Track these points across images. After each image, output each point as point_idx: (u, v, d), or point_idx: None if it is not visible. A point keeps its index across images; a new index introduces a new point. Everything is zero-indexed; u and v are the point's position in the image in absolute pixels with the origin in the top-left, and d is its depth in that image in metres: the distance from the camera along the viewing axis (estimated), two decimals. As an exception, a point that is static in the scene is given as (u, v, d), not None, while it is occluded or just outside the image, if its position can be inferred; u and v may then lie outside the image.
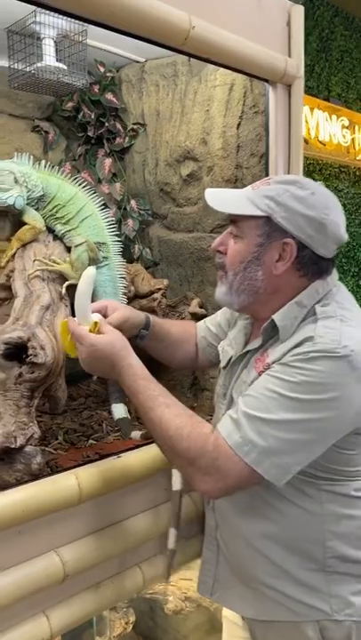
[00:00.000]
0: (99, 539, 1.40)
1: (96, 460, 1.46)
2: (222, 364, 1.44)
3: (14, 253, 1.79)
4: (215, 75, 2.02)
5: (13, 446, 1.44)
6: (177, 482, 1.50)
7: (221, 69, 1.99)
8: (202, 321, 1.65)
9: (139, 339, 1.43)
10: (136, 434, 1.66)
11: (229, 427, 1.10)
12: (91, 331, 1.24)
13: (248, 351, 1.32)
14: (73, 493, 1.33)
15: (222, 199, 1.23)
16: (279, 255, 1.16)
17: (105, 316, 1.33)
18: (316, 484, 1.18)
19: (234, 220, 1.21)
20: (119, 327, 1.30)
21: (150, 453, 1.52)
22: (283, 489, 1.14)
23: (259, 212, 1.15)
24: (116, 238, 1.86)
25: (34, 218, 1.76)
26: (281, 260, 1.16)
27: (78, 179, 1.88)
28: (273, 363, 1.15)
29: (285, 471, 1.08)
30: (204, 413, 2.22)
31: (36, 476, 1.49)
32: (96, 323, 1.26)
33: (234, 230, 1.22)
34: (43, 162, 1.81)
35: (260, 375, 1.16)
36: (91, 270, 1.35)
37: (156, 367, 2.46)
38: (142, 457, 1.51)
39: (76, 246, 1.80)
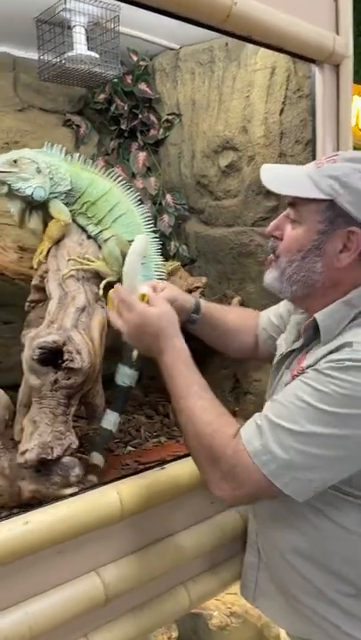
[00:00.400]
0: (142, 557, 1.30)
1: (138, 472, 1.36)
2: (274, 361, 1.32)
3: (47, 253, 1.71)
4: (255, 58, 1.89)
5: (50, 457, 1.35)
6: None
7: (262, 52, 1.87)
8: (264, 311, 1.51)
9: (189, 323, 1.33)
10: (98, 457, 1.59)
11: (251, 432, 1.00)
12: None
13: (293, 350, 1.21)
14: (114, 509, 1.23)
15: (279, 178, 1.10)
16: (343, 245, 1.03)
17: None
18: (352, 502, 1.06)
19: (292, 202, 1.08)
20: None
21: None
22: (318, 501, 1.04)
23: (320, 195, 1.02)
24: (154, 235, 1.75)
25: (59, 211, 1.67)
26: (345, 251, 1.03)
27: (113, 173, 1.78)
28: (308, 367, 1.04)
29: (307, 488, 0.98)
30: (248, 418, 2.11)
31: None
32: (144, 295, 1.17)
33: (292, 214, 1.09)
34: (77, 155, 1.73)
35: (293, 379, 1.06)
36: (142, 237, 1.27)
37: (199, 362, 2.36)
38: (188, 468, 1.39)
39: (105, 241, 1.71)
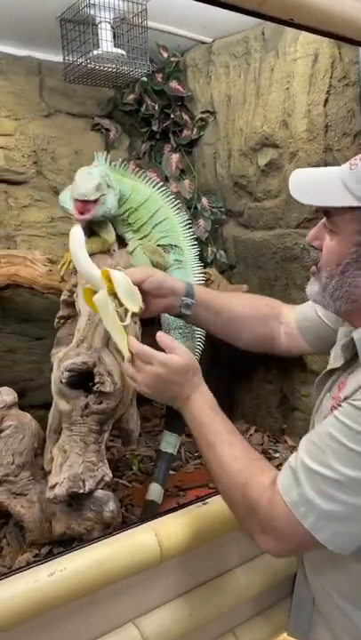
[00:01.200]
0: (185, 604, 1.17)
1: (179, 508, 1.22)
2: (319, 375, 1.16)
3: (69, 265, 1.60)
4: (295, 46, 1.74)
5: (82, 491, 1.24)
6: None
7: (302, 38, 1.72)
8: (303, 305, 1.33)
9: (184, 308, 1.21)
10: (156, 490, 1.55)
11: (288, 480, 0.89)
12: (108, 288, 1.07)
13: (334, 370, 1.06)
14: (153, 552, 1.10)
15: (308, 185, 0.96)
16: None
17: (141, 285, 1.15)
18: None
19: (327, 211, 0.95)
20: (156, 293, 1.16)
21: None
22: None
23: (354, 203, 0.88)
24: (193, 242, 1.62)
25: (107, 231, 1.56)
26: None
27: (153, 179, 1.67)
28: (345, 398, 0.93)
29: (352, 541, 0.86)
30: (296, 436, 1.95)
31: (108, 526, 1.29)
32: (105, 271, 1.08)
33: (327, 224, 0.97)
34: (120, 160, 1.63)
35: (331, 410, 0.94)
36: (74, 229, 1.18)
37: (238, 382, 2.23)
38: (232, 502, 1.26)
39: (131, 252, 1.60)
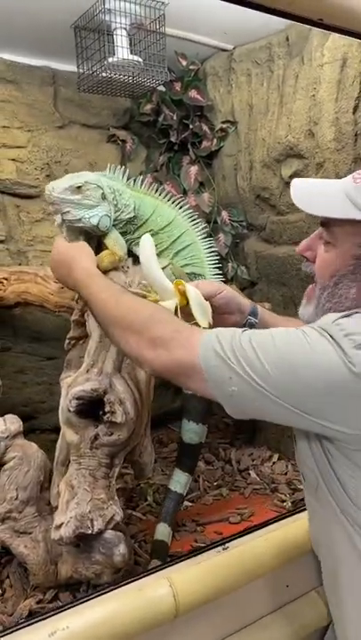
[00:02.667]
0: (202, 663, 1.04)
1: (196, 553, 1.10)
2: None
3: None
4: (322, 51, 1.64)
5: (90, 532, 1.13)
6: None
7: (330, 42, 1.62)
8: None
9: (248, 326, 1.14)
10: (164, 530, 1.45)
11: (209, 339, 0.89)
12: (180, 302, 1.06)
13: None
14: (167, 605, 0.99)
15: (311, 195, 0.95)
16: None
17: (211, 300, 1.12)
18: None
19: (325, 222, 0.94)
20: (225, 309, 1.13)
21: (265, 540, 1.15)
22: None
23: (358, 215, 0.87)
24: (217, 271, 1.51)
25: (115, 242, 1.43)
26: None
27: (179, 199, 1.54)
28: None
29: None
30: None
31: (118, 570, 1.18)
32: (178, 282, 1.07)
33: (325, 235, 0.94)
34: (140, 178, 1.50)
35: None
36: (146, 238, 1.16)
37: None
38: (254, 546, 1.14)
39: (164, 268, 1.49)
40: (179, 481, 1.56)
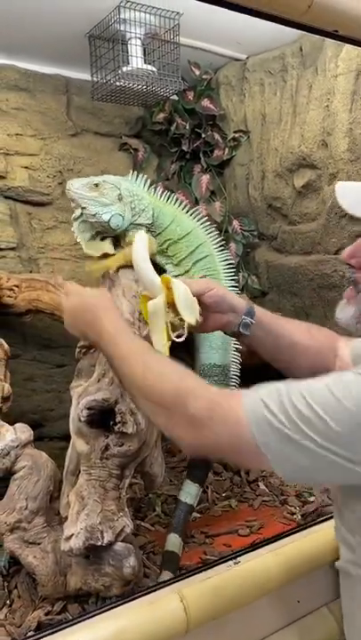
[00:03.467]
0: None
1: (207, 567, 1.09)
2: None
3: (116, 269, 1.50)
4: (336, 62, 1.64)
5: (100, 544, 1.12)
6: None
7: (345, 53, 1.62)
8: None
9: (243, 327, 1.10)
10: (175, 540, 1.41)
11: (253, 399, 0.80)
12: (167, 297, 1.02)
13: None
14: (178, 620, 0.97)
15: (359, 196, 0.92)
16: None
17: (201, 298, 1.08)
18: None
19: None
20: (216, 308, 1.08)
21: (276, 555, 1.13)
22: None
23: None
24: (233, 283, 1.52)
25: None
26: None
27: (197, 212, 1.59)
28: None
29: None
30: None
31: (128, 582, 1.17)
32: (165, 278, 1.04)
33: None
34: (160, 189, 1.55)
35: None
36: (142, 232, 1.18)
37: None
38: (266, 561, 1.12)
39: None
40: (189, 492, 1.55)
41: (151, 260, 1.48)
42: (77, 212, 1.46)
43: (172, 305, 1.02)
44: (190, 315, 1.02)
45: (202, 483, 1.59)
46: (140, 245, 1.10)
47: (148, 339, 1.08)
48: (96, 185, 1.42)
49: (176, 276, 1.49)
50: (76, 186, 1.42)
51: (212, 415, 0.80)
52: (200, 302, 1.06)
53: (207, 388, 0.86)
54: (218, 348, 1.54)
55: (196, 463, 1.60)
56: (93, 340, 1.07)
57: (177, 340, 1.03)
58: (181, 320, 1.02)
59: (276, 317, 1.18)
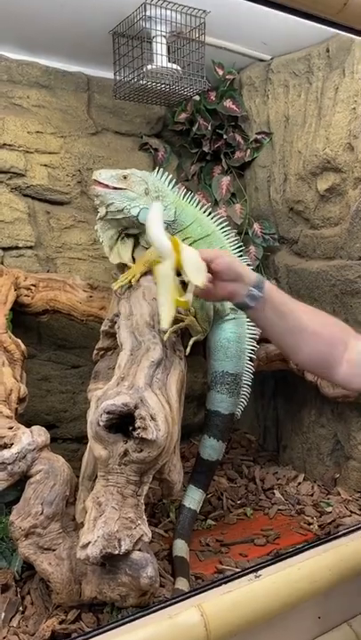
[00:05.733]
0: None
1: (227, 580, 1.06)
2: None
3: (139, 278, 1.48)
4: (364, 63, 1.60)
5: (117, 552, 1.09)
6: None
7: (374, 54, 1.58)
8: None
9: (250, 299, 1.07)
10: (181, 546, 1.44)
11: None
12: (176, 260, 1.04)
13: None
14: (199, 636, 0.94)
15: None
16: None
17: (210, 265, 1.07)
18: None
19: None
20: (224, 275, 1.06)
21: (298, 569, 1.10)
22: None
23: None
24: None
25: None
26: None
27: (218, 216, 1.58)
28: None
29: None
30: (351, 488, 1.76)
31: (145, 593, 1.14)
32: (174, 240, 1.06)
33: None
34: (183, 188, 1.55)
35: None
36: (157, 202, 1.18)
37: (286, 424, 2.02)
38: (288, 575, 1.09)
39: None
40: (193, 497, 1.54)
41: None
42: (102, 210, 1.44)
43: (181, 268, 1.04)
44: (197, 277, 1.02)
45: (206, 488, 1.58)
46: (156, 213, 1.11)
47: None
48: (125, 177, 1.41)
49: None
50: (104, 176, 1.40)
51: None
52: (209, 269, 1.05)
53: None
54: (232, 357, 1.53)
55: (200, 468, 1.58)
56: None
57: (181, 300, 1.04)
58: (188, 282, 1.03)
59: (291, 299, 1.13)
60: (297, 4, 1.09)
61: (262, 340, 1.62)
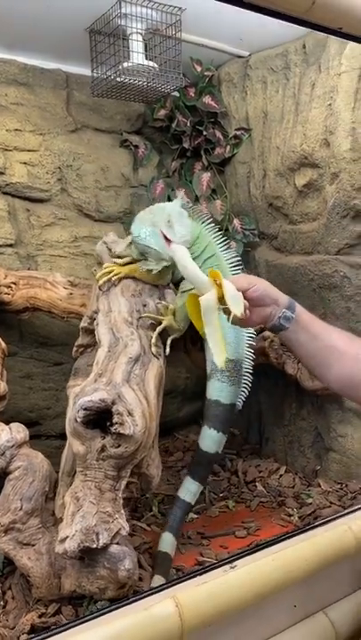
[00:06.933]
0: None
1: (203, 571, 1.08)
2: None
3: (120, 277, 1.52)
4: (340, 59, 1.62)
5: (95, 546, 1.10)
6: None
7: (349, 51, 1.59)
8: None
9: (283, 320, 1.10)
10: (169, 541, 1.45)
11: None
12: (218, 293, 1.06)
13: None
14: (173, 626, 0.95)
15: None
16: None
17: (245, 293, 1.09)
18: None
19: None
20: (259, 302, 1.09)
21: (273, 560, 1.12)
22: None
23: None
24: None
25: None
26: None
27: (202, 214, 1.62)
28: None
29: None
30: (331, 480, 1.79)
31: (123, 585, 1.15)
32: (213, 273, 1.07)
33: None
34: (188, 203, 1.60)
35: None
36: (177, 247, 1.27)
37: (268, 416, 2.04)
38: (263, 565, 1.11)
39: (184, 292, 1.49)
40: (189, 489, 1.54)
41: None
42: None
43: (220, 300, 1.05)
44: (238, 308, 1.04)
45: (203, 481, 1.58)
46: (185, 251, 1.22)
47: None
48: (168, 221, 1.37)
49: None
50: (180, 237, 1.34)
51: None
52: (245, 297, 1.07)
53: None
54: (230, 342, 1.51)
55: (202, 461, 1.58)
56: None
57: None
58: (229, 313, 1.04)
59: (315, 318, 1.16)
60: (266, 3, 1.10)
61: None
